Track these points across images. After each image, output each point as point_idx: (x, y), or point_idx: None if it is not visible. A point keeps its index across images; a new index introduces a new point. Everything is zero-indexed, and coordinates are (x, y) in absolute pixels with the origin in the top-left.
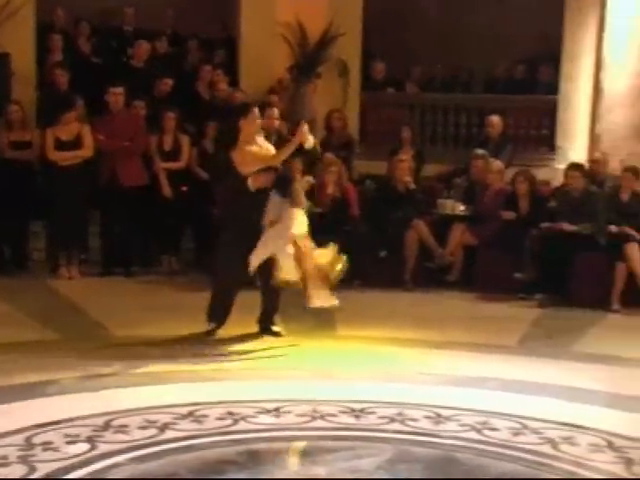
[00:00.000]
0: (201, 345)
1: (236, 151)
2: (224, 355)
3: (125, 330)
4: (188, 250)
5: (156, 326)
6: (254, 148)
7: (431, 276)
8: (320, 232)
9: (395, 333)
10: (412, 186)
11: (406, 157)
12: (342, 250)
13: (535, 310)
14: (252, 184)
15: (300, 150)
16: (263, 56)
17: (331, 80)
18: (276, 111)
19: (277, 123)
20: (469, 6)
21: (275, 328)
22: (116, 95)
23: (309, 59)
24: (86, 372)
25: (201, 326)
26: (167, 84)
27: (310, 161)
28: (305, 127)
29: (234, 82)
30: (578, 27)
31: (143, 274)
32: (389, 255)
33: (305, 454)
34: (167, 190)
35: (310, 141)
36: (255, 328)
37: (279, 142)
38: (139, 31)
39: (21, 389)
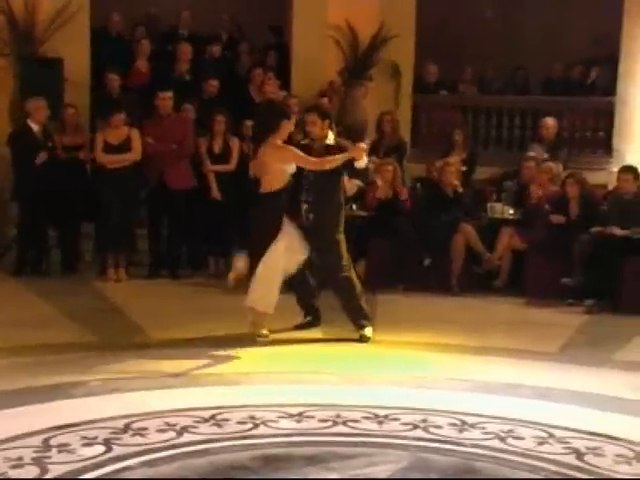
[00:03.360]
0: (235, 347)
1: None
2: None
3: (164, 333)
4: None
5: (196, 329)
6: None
7: (478, 281)
8: (368, 234)
9: (434, 338)
10: (460, 189)
11: (454, 160)
12: (388, 253)
13: (582, 316)
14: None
15: (351, 168)
16: (314, 59)
17: (383, 82)
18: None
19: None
20: (524, 7)
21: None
22: (164, 99)
23: (360, 62)
24: (115, 374)
25: (243, 328)
26: (213, 85)
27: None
28: (364, 146)
29: (285, 85)
30: (637, 26)
31: (190, 276)
32: (434, 262)
33: (320, 460)
34: (216, 193)
35: (363, 161)
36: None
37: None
38: (194, 35)
39: (46, 390)
